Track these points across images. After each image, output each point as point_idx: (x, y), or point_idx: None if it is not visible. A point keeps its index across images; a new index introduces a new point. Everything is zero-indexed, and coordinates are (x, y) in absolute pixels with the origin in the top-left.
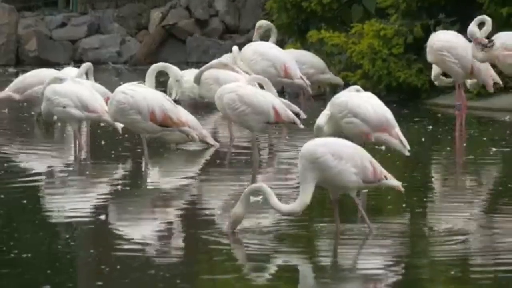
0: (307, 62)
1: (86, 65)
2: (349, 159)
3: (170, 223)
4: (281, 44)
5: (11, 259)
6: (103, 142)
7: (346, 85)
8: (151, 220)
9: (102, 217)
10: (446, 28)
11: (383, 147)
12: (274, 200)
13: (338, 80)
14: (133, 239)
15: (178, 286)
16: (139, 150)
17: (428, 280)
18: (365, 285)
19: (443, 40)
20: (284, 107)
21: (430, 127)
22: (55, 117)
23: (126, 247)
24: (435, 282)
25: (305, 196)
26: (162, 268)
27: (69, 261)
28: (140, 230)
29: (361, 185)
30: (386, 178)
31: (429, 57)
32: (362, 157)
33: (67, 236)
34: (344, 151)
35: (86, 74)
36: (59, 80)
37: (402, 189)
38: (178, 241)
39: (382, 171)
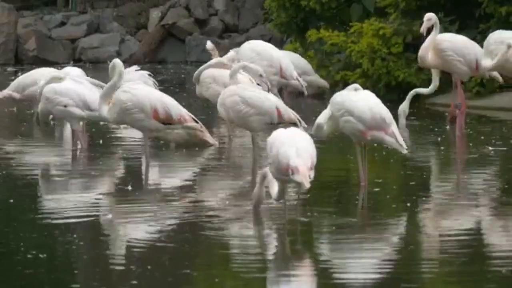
0: (293, 63)
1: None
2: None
3: (176, 222)
4: (280, 44)
5: (30, 259)
6: (101, 141)
7: (345, 85)
8: (158, 219)
9: (109, 216)
10: (446, 27)
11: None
12: (273, 185)
13: (323, 82)
14: (150, 238)
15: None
16: (138, 149)
17: (429, 279)
18: (364, 283)
19: (445, 41)
20: (286, 107)
21: (429, 126)
22: (50, 116)
23: (143, 245)
24: (437, 281)
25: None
26: (197, 267)
27: (89, 261)
28: (153, 229)
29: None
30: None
31: (432, 60)
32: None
33: (75, 235)
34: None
35: None
36: (58, 79)
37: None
38: (192, 240)
39: (289, 164)
